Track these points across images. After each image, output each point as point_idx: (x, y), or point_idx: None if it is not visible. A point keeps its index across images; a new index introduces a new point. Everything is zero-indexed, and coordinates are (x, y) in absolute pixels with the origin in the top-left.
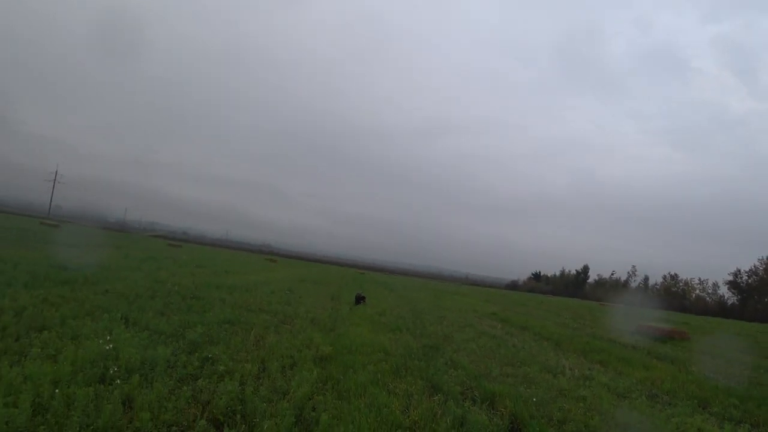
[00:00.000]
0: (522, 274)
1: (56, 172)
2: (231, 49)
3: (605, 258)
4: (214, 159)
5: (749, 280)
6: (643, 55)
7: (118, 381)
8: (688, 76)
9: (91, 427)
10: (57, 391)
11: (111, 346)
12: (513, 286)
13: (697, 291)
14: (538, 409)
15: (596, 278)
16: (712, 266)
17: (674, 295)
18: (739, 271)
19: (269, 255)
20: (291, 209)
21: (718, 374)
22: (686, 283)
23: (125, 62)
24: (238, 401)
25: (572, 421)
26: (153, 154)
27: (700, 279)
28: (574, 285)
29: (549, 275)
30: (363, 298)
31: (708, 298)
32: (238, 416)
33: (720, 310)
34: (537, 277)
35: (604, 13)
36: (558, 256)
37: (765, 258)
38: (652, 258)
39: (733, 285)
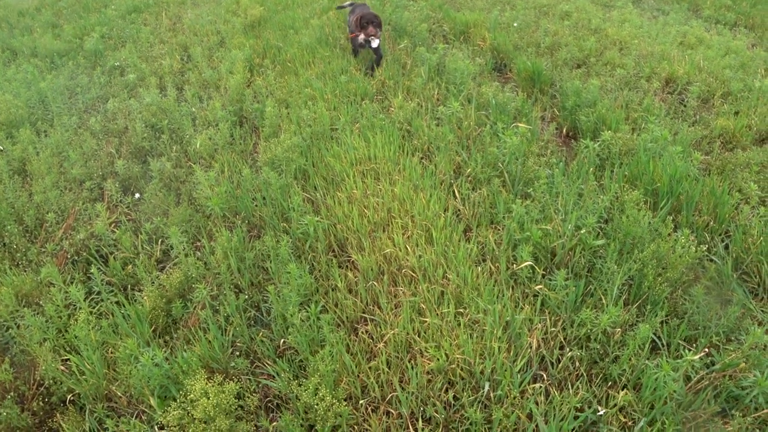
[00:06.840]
0: None
1: None
2: None
3: None
4: None
5: None
6: None
7: (1, 148)
8: None
9: None
10: None
11: None
12: None
13: None
14: (522, 37)
15: None
16: None
17: None
18: None
19: None
20: None
21: None
22: None
23: None
24: (162, 113)
25: (564, 45)
26: None
27: None
28: None
29: None
30: None
31: None
32: (165, 135)
33: None
34: None
35: None
36: None
37: None
38: None
39: None
